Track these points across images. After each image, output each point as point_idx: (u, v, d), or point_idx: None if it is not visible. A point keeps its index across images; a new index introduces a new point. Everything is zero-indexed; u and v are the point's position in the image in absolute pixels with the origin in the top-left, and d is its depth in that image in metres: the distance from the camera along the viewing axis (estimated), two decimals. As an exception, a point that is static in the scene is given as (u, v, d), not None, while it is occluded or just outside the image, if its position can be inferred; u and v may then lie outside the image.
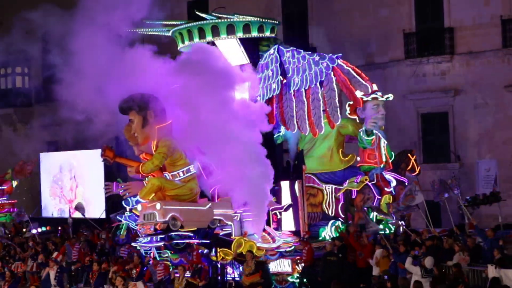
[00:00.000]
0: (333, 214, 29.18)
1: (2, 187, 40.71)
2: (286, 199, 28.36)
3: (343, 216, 29.16)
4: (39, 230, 37.88)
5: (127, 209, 29.33)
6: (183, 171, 26.20)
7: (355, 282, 23.26)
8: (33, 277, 29.31)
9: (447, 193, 28.31)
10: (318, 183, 29.07)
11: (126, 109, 26.35)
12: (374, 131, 28.19)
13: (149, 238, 26.58)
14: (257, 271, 23.88)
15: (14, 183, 41.22)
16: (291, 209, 27.74)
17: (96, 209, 39.98)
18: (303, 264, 25.74)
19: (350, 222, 28.84)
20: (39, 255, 29.99)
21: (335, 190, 29.20)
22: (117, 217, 30.39)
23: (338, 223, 28.46)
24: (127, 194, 28.37)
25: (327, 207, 29.24)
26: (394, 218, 28.08)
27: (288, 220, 28.30)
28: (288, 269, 26.29)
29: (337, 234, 27.50)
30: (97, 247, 30.79)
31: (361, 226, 28.09)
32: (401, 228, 27.52)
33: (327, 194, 29.17)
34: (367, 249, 24.58)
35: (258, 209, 26.55)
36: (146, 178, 27.06)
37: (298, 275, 25.75)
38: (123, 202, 29.70)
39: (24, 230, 37.73)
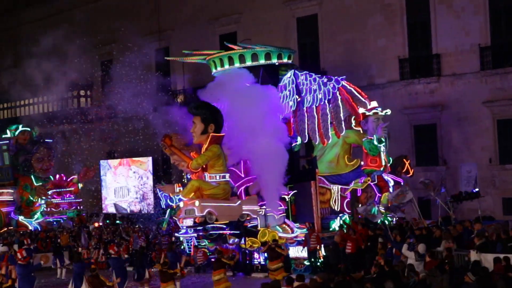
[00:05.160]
0: (338, 209, 29.07)
1: (70, 189, 40.87)
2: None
3: (348, 211, 29.03)
4: (101, 223, 38.07)
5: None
6: (220, 176, 26.18)
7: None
8: (99, 263, 29.25)
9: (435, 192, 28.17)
10: (327, 183, 28.97)
11: (194, 113, 26.31)
12: (383, 139, 28.30)
13: (185, 229, 26.68)
14: (279, 257, 23.60)
15: (80, 186, 41.39)
16: None
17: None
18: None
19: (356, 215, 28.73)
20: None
21: (341, 189, 29.13)
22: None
23: (345, 216, 28.34)
24: (163, 193, 29.22)
25: (334, 203, 29.14)
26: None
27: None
28: (304, 254, 26.24)
29: (348, 221, 27.32)
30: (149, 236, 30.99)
31: (365, 219, 27.96)
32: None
33: (334, 193, 29.08)
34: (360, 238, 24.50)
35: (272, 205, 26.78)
36: (188, 176, 27.37)
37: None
38: (168, 200, 29.90)
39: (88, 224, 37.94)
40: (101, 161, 44.66)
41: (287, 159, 26.96)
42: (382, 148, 28.91)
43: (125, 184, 43.32)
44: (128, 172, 42.68)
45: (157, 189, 30.75)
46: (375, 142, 28.51)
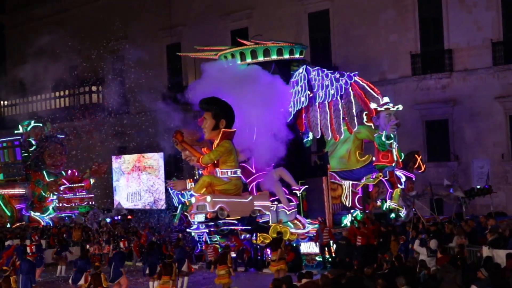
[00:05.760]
0: (350, 205, 29.05)
1: (82, 184, 41.02)
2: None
3: (360, 207, 29.00)
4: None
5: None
6: (231, 171, 26.22)
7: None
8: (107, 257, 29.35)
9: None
10: (338, 179, 28.94)
11: (205, 108, 26.27)
12: (392, 136, 28.25)
13: (196, 225, 26.74)
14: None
15: (92, 181, 41.50)
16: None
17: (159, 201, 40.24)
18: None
19: (367, 211, 28.68)
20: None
21: (353, 185, 29.11)
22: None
23: (357, 212, 28.32)
24: (173, 189, 29.28)
25: (345, 199, 29.12)
26: (404, 208, 27.97)
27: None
28: (316, 250, 26.24)
29: (360, 218, 27.31)
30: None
31: (375, 214, 27.95)
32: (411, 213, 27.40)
33: (345, 189, 29.05)
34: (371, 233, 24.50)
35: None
36: (199, 171, 27.43)
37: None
38: (179, 196, 29.96)
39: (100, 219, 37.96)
40: (114, 167, 44.06)
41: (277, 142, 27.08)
42: (394, 145, 28.90)
43: (137, 189, 43.10)
44: (140, 178, 42.37)
45: (169, 187, 30.71)
46: (383, 139, 28.46)
